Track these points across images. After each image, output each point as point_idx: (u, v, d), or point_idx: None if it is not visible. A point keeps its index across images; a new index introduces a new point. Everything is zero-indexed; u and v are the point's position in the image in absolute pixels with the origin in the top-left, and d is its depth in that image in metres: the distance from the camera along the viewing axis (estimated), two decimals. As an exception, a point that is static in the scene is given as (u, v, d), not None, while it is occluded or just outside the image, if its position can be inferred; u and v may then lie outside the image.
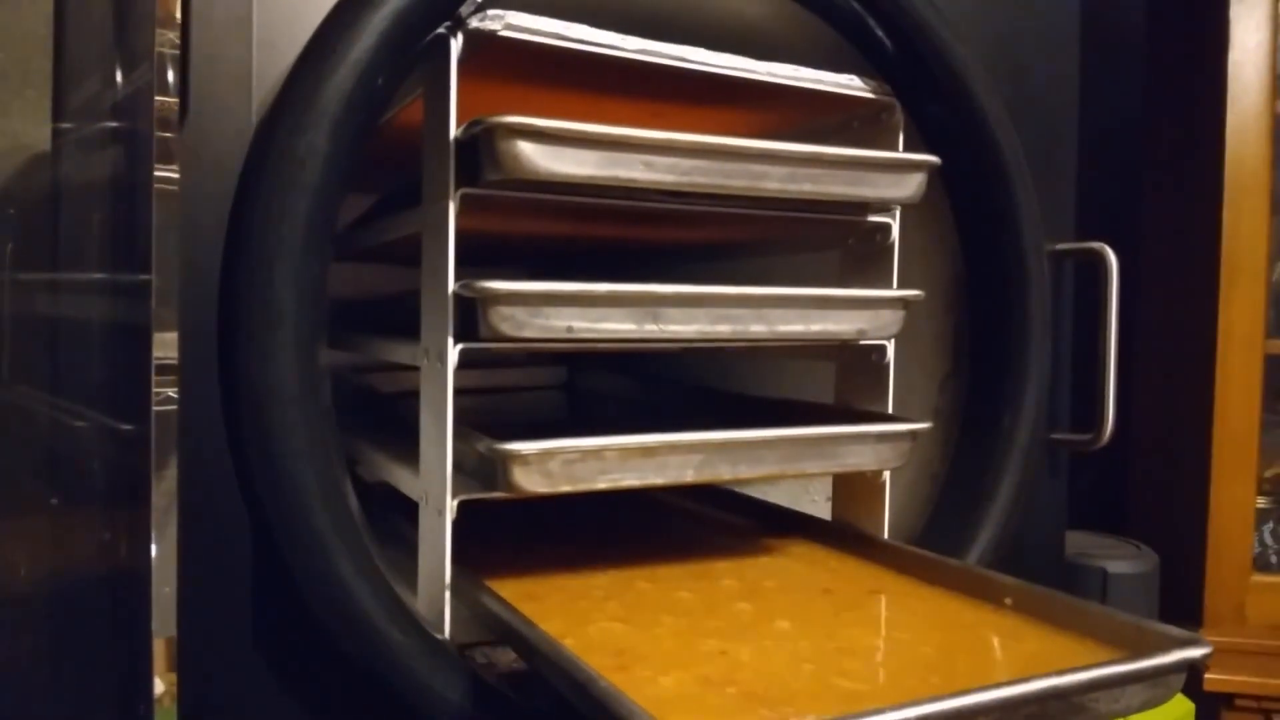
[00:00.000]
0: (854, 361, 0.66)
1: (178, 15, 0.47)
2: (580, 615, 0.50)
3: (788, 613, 0.51)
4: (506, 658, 0.56)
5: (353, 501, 0.48)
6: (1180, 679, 0.40)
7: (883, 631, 0.49)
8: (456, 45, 0.49)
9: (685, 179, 0.51)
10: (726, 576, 0.57)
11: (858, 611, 0.51)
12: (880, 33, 0.62)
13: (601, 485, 0.50)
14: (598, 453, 0.50)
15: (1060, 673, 0.37)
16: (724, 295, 0.53)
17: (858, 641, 0.47)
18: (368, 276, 0.91)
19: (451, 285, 0.49)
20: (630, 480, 0.51)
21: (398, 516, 0.62)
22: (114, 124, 0.66)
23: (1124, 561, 1.00)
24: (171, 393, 0.47)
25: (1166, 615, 1.07)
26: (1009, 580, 0.50)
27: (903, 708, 0.33)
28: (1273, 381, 1.17)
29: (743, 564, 0.60)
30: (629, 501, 0.76)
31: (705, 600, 0.53)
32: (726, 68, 0.56)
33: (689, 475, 0.53)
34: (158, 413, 0.47)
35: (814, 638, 0.47)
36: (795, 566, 0.60)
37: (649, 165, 0.50)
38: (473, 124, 0.48)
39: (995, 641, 0.46)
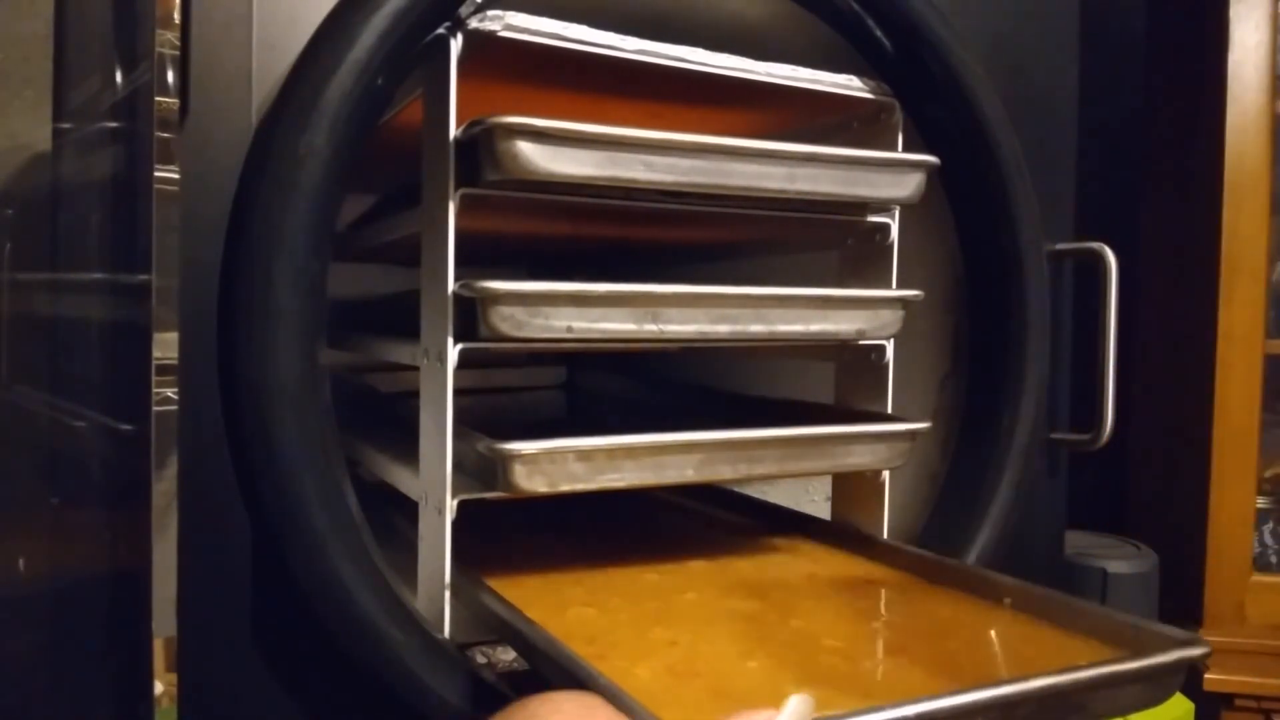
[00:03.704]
0: (853, 361, 0.66)
1: (177, 15, 0.47)
2: (586, 616, 0.50)
3: (798, 612, 0.51)
4: (506, 657, 0.56)
5: (353, 501, 0.48)
6: (1179, 679, 0.40)
7: (883, 631, 0.49)
8: (456, 45, 0.49)
9: (685, 179, 0.51)
10: (731, 575, 0.57)
11: (863, 612, 0.51)
12: (879, 33, 0.62)
13: (601, 485, 0.50)
14: (598, 453, 0.50)
15: (1058, 672, 0.37)
16: (723, 295, 0.53)
17: (861, 639, 0.47)
18: (368, 276, 0.91)
19: (451, 285, 0.49)
20: (630, 480, 0.51)
21: (399, 516, 0.62)
22: (114, 124, 0.66)
23: (1124, 561, 1.00)
24: (171, 393, 0.47)
25: (1166, 615, 1.07)
26: (1007, 579, 0.50)
27: (902, 705, 0.33)
28: (1273, 381, 1.17)
29: (747, 563, 0.60)
30: (631, 501, 0.76)
31: (710, 601, 0.53)
32: (725, 68, 0.56)
33: (689, 475, 0.53)
34: (158, 413, 0.48)
35: (822, 636, 0.47)
36: (800, 565, 0.60)
37: (648, 165, 0.50)
38: (473, 124, 0.48)
39: (993, 640, 0.46)
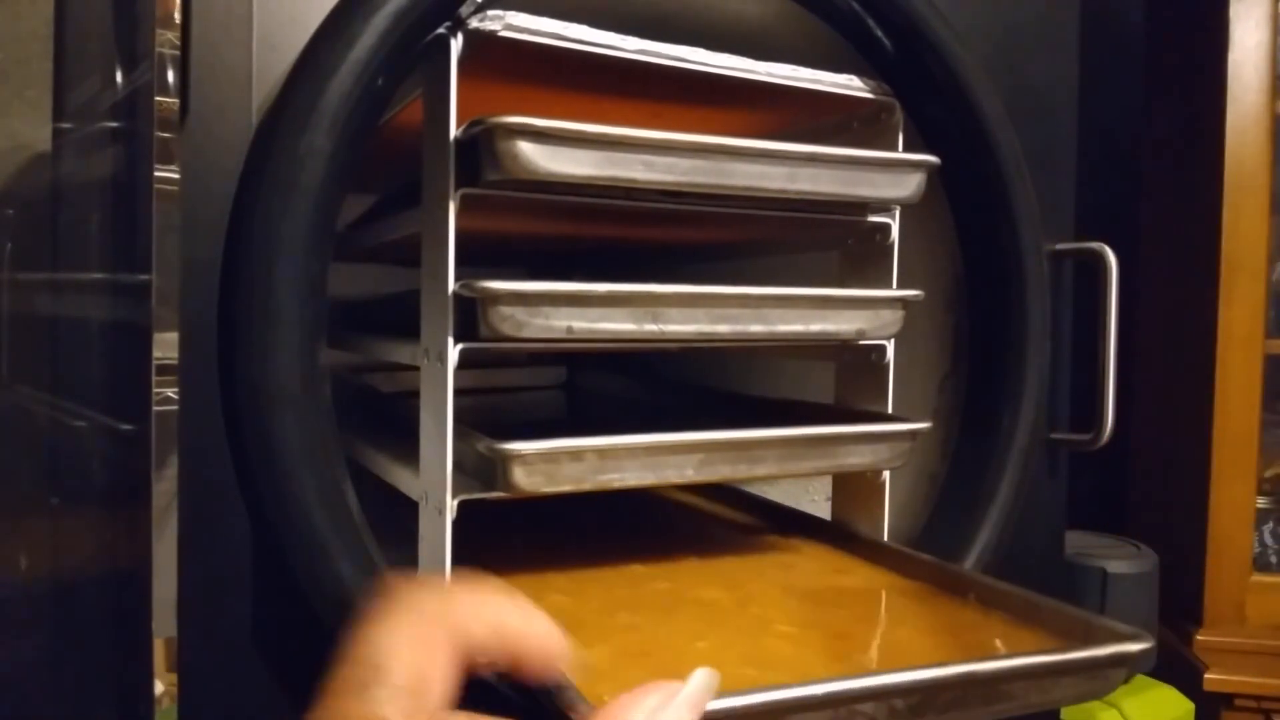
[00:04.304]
0: (854, 361, 0.66)
1: (178, 15, 0.47)
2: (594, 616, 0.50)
3: (759, 600, 0.52)
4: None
5: (353, 501, 0.48)
6: (1119, 673, 0.40)
7: (837, 619, 0.50)
8: (456, 45, 0.49)
9: (685, 179, 0.51)
10: (714, 570, 0.58)
11: (823, 601, 0.53)
12: (880, 33, 0.62)
13: (601, 485, 0.50)
14: (598, 452, 0.50)
15: (979, 660, 0.37)
16: (723, 295, 0.53)
17: (813, 626, 0.48)
18: (368, 276, 0.91)
19: (451, 285, 0.49)
20: (630, 480, 0.51)
21: (399, 514, 0.62)
22: (114, 124, 0.66)
23: (1124, 561, 1.00)
24: (171, 393, 0.47)
25: (1166, 615, 1.07)
26: (972, 574, 0.52)
27: (822, 683, 0.34)
28: (1273, 381, 1.17)
29: (736, 558, 0.61)
30: (632, 500, 0.76)
31: (679, 590, 0.54)
32: (726, 68, 0.56)
33: (689, 475, 0.53)
34: (158, 413, 0.48)
35: (776, 622, 0.49)
36: (783, 559, 0.61)
37: (649, 165, 0.50)
38: (473, 124, 0.48)
39: (944, 630, 0.48)
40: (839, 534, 0.64)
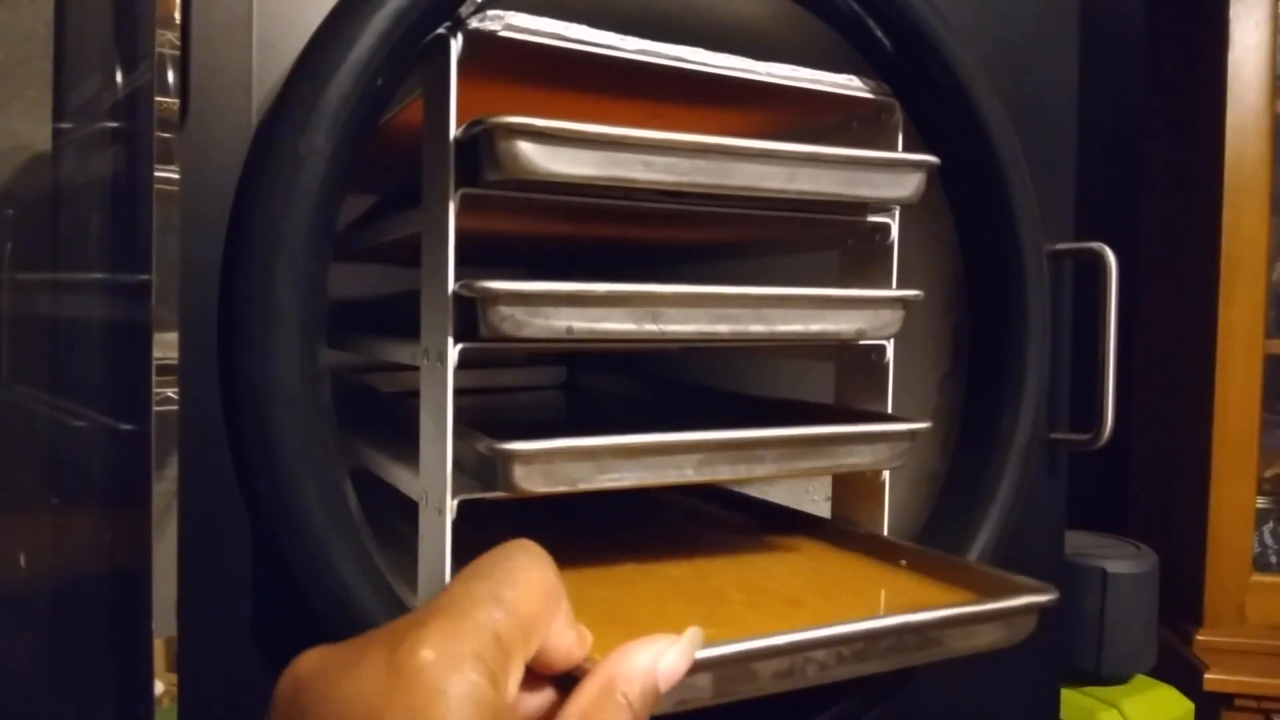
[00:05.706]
0: (853, 361, 0.66)
1: (178, 15, 0.47)
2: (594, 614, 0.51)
3: (715, 574, 0.56)
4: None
5: (353, 501, 0.48)
6: (1030, 621, 0.47)
7: (785, 587, 0.54)
8: (456, 45, 0.49)
9: (684, 179, 0.51)
10: (687, 553, 0.61)
11: (771, 574, 0.57)
12: (880, 33, 0.62)
13: (601, 485, 0.50)
14: (597, 452, 0.50)
15: (911, 611, 0.44)
16: (723, 295, 0.53)
17: (765, 594, 0.53)
18: (368, 276, 0.91)
19: (451, 285, 0.49)
20: (630, 480, 0.51)
21: (398, 516, 0.62)
22: (114, 124, 0.66)
23: (1124, 561, 1.00)
24: (171, 393, 0.47)
25: (1166, 615, 1.07)
26: (904, 543, 0.59)
27: (782, 634, 0.40)
28: (1273, 381, 1.17)
29: (708, 544, 0.63)
30: (630, 499, 0.76)
31: (647, 569, 0.57)
32: (726, 68, 0.56)
33: (689, 475, 0.53)
34: (158, 413, 0.48)
35: (732, 591, 0.54)
36: (790, 560, 0.62)
37: (648, 165, 0.50)
38: (473, 124, 0.48)
39: (880, 594, 0.55)
40: (794, 519, 0.68)
